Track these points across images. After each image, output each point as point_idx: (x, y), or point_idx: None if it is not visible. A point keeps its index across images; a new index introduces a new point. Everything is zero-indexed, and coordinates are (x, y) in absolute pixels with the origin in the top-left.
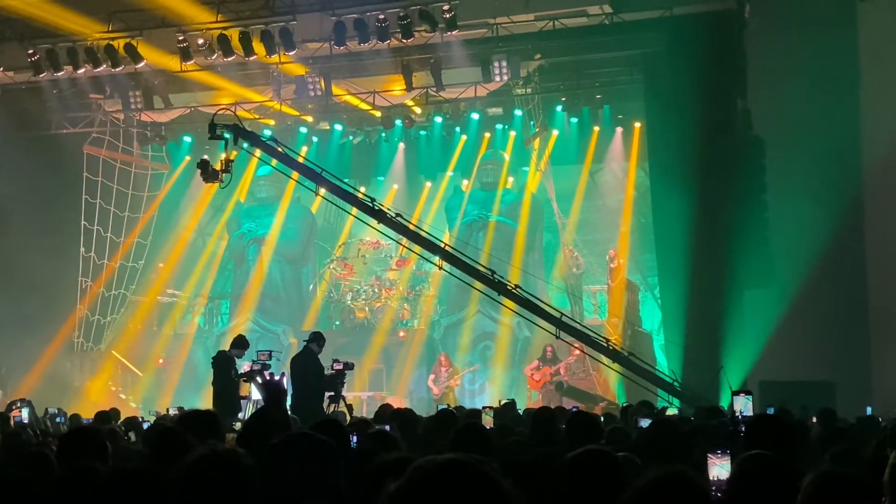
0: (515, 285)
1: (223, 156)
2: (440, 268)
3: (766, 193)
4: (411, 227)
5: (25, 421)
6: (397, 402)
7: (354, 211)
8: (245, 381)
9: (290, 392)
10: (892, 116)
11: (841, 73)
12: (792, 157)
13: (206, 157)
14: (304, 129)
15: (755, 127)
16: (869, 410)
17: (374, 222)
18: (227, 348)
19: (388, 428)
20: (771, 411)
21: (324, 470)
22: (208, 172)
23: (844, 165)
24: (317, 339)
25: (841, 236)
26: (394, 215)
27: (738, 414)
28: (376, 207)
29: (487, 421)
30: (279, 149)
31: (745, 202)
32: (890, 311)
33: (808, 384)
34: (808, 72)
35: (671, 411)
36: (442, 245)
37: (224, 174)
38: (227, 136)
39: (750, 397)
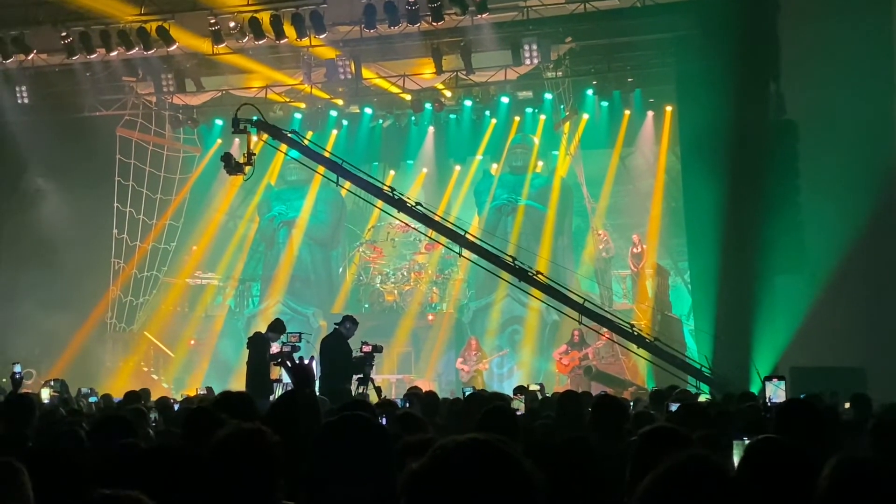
0: (537, 271)
1: (247, 148)
2: (460, 255)
3: (799, 178)
4: (435, 217)
5: (46, 401)
6: (426, 385)
7: (380, 203)
8: (276, 364)
9: (318, 374)
10: None
11: (875, 60)
12: (825, 142)
13: (229, 150)
14: (334, 113)
15: (788, 111)
16: None
17: (398, 212)
18: (259, 330)
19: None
20: (801, 397)
21: (375, 453)
22: (232, 165)
23: (878, 152)
24: (348, 321)
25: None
26: (414, 205)
27: (768, 399)
28: (397, 197)
29: (519, 406)
30: (303, 142)
31: (776, 187)
32: None
33: (840, 370)
34: (842, 57)
35: (703, 398)
36: (463, 234)
37: (248, 167)
38: (250, 130)
39: (782, 382)
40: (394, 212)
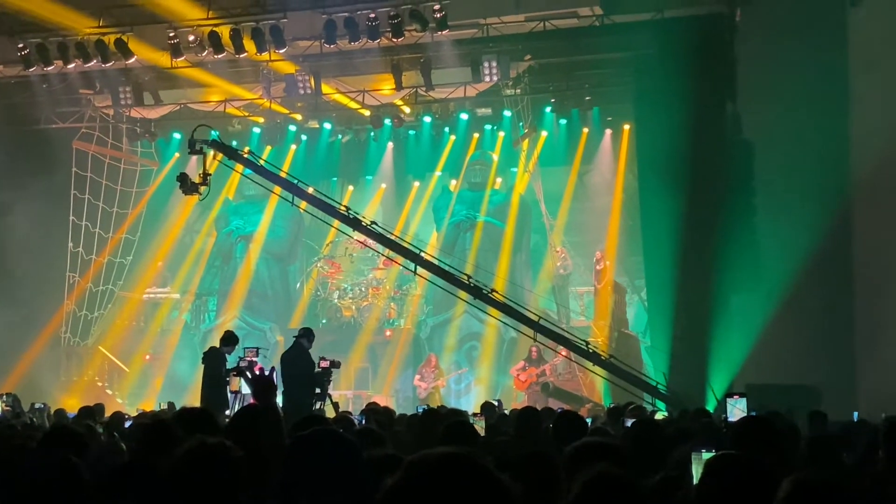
0: (492, 289)
1: (203, 168)
2: (415, 272)
3: (755, 197)
4: (391, 236)
5: None
6: (383, 401)
7: (337, 223)
8: (235, 375)
9: (281, 388)
10: (880, 122)
11: (831, 79)
12: (781, 161)
13: (187, 165)
14: (293, 128)
15: (745, 131)
16: (856, 415)
17: (356, 232)
18: (215, 345)
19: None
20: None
21: (346, 467)
22: (187, 185)
23: (833, 171)
24: (307, 334)
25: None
26: (369, 224)
27: (726, 416)
28: (352, 216)
29: (478, 428)
30: (259, 162)
31: (733, 206)
32: (875, 317)
33: (795, 388)
34: (798, 77)
35: (659, 415)
36: (418, 252)
37: (203, 187)
38: (206, 150)
39: (743, 400)
40: (350, 230)
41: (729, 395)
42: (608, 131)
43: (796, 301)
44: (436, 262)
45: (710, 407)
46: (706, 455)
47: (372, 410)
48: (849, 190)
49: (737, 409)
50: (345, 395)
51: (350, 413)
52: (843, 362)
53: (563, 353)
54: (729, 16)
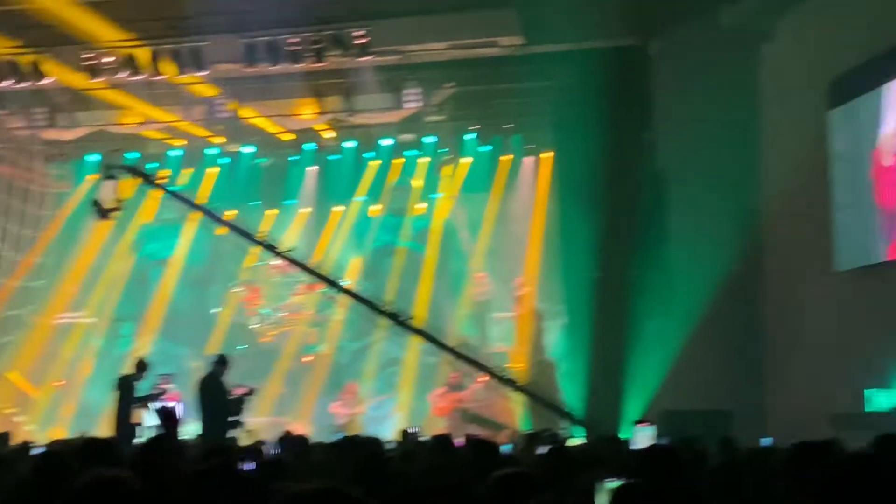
0: (410, 316)
1: (116, 194)
2: (333, 300)
3: (669, 225)
4: (309, 264)
5: None
6: (301, 428)
7: (257, 250)
8: (142, 405)
9: (196, 416)
10: (788, 154)
11: (742, 110)
12: (694, 189)
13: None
14: (213, 151)
15: (660, 160)
16: (764, 441)
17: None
18: (128, 371)
19: (281, 454)
20: (664, 441)
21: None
22: (100, 211)
23: (744, 198)
24: (222, 361)
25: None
26: (287, 251)
27: (633, 444)
28: (266, 243)
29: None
30: (174, 185)
31: (649, 233)
32: (784, 343)
33: (708, 413)
34: (712, 108)
35: (574, 441)
36: (335, 280)
37: (116, 213)
38: (120, 176)
39: (652, 428)
40: (269, 255)
41: (636, 422)
42: (529, 158)
43: (709, 326)
44: (355, 288)
45: (627, 433)
46: (612, 484)
47: (286, 439)
48: (759, 217)
49: (643, 437)
50: (262, 422)
51: (264, 442)
52: (755, 387)
53: (483, 379)
54: (644, 48)
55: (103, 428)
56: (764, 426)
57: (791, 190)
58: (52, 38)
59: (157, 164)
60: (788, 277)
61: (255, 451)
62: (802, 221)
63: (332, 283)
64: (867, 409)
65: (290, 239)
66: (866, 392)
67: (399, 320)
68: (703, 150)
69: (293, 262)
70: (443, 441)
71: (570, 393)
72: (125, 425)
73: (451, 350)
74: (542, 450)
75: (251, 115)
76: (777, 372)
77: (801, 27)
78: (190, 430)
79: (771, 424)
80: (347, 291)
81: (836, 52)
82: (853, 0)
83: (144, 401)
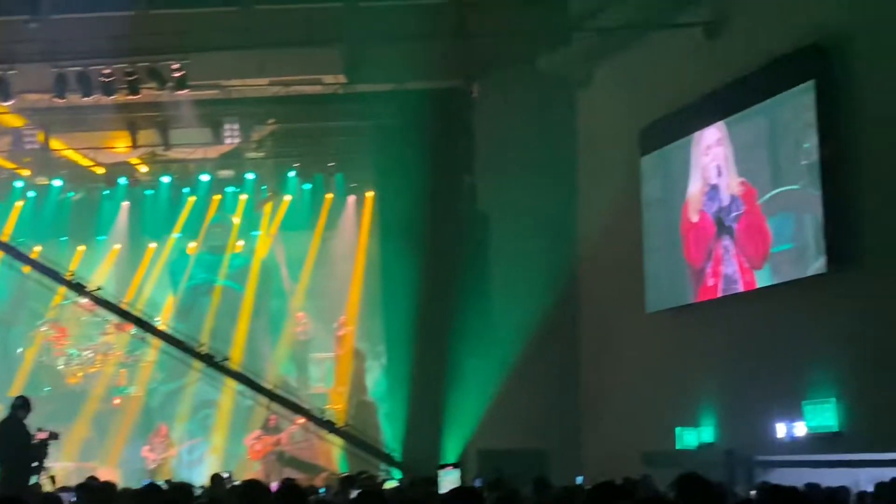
0: (225, 357)
1: None
2: (143, 340)
3: (489, 266)
4: (122, 305)
5: None
6: (108, 474)
7: (62, 290)
8: None
9: None
10: (603, 198)
11: (560, 155)
12: (514, 232)
13: None
14: (19, 184)
15: (480, 202)
16: (579, 479)
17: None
18: None
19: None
20: (478, 482)
21: None
22: None
23: (561, 242)
24: (23, 404)
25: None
26: (95, 290)
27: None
28: (73, 282)
29: None
30: None
31: (469, 274)
32: (600, 383)
33: (525, 453)
34: (531, 152)
35: (390, 483)
36: (148, 321)
37: None
38: None
39: (456, 471)
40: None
41: (441, 466)
42: (352, 197)
43: (527, 367)
44: (169, 328)
45: None
46: None
47: (86, 486)
48: (575, 261)
49: (448, 480)
50: (67, 468)
51: (68, 488)
52: (571, 426)
53: (300, 421)
54: (466, 90)
55: None
56: (580, 464)
57: (606, 234)
58: None
59: None
60: (603, 319)
61: (52, 499)
62: (617, 264)
63: (143, 324)
64: (678, 447)
65: (101, 276)
66: (677, 430)
67: (214, 362)
68: (522, 193)
69: (102, 302)
70: (252, 486)
71: (390, 434)
72: None
73: (267, 392)
74: (356, 493)
75: (61, 147)
76: (592, 411)
77: (616, 75)
78: None
79: (587, 463)
80: (159, 332)
81: (648, 100)
82: (666, 51)
83: None
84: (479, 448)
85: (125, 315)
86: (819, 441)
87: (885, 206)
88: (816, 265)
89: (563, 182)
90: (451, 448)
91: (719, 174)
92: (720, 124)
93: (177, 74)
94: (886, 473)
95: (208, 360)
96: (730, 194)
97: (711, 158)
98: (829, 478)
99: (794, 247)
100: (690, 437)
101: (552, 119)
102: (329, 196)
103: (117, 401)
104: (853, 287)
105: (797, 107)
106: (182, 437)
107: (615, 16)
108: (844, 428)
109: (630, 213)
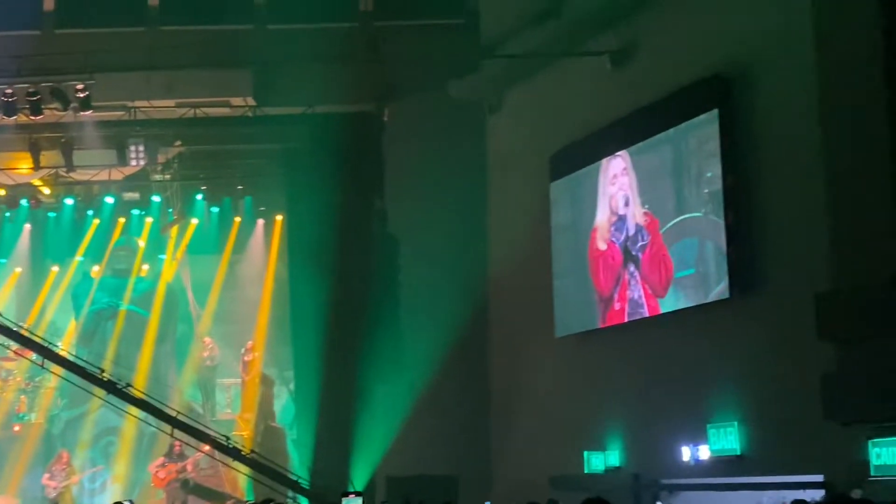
0: (127, 384)
1: None
2: (42, 366)
3: (399, 290)
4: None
5: None
6: (8, 503)
7: None
8: None
9: None
10: (514, 223)
11: (471, 178)
12: (424, 256)
13: None
14: None
15: (390, 226)
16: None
17: None
18: None
19: None
20: None
21: None
22: None
23: (472, 266)
24: None
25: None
26: None
27: None
28: None
29: None
30: None
31: (379, 299)
32: (509, 407)
33: (434, 479)
34: (441, 176)
35: None
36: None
37: None
38: None
39: (358, 499)
40: None
41: (344, 494)
42: (260, 221)
43: (437, 392)
44: (68, 355)
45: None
46: None
47: None
48: (486, 285)
49: None
50: None
51: None
52: (481, 451)
53: (206, 448)
54: (377, 115)
55: None
56: (489, 489)
57: (516, 258)
58: None
59: None
60: (513, 343)
61: None
62: (526, 289)
63: (44, 350)
64: (585, 471)
65: (1, 300)
66: (585, 454)
67: (116, 388)
68: (433, 217)
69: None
70: None
71: (298, 460)
72: None
73: (171, 419)
74: None
75: None
76: (502, 436)
77: (525, 101)
78: None
79: (496, 487)
80: (60, 359)
81: (557, 127)
82: (575, 79)
83: None
84: (388, 474)
85: (25, 341)
86: (722, 464)
87: (784, 233)
88: (718, 290)
89: (473, 207)
90: (360, 474)
91: (626, 204)
92: (625, 153)
93: (81, 95)
94: (787, 496)
95: (110, 386)
96: (635, 223)
97: (618, 188)
98: (733, 500)
99: (697, 272)
100: (598, 461)
101: (463, 144)
102: (237, 219)
103: (17, 428)
104: (755, 312)
105: (701, 136)
106: (84, 465)
107: (525, 43)
108: (746, 451)
109: (540, 239)
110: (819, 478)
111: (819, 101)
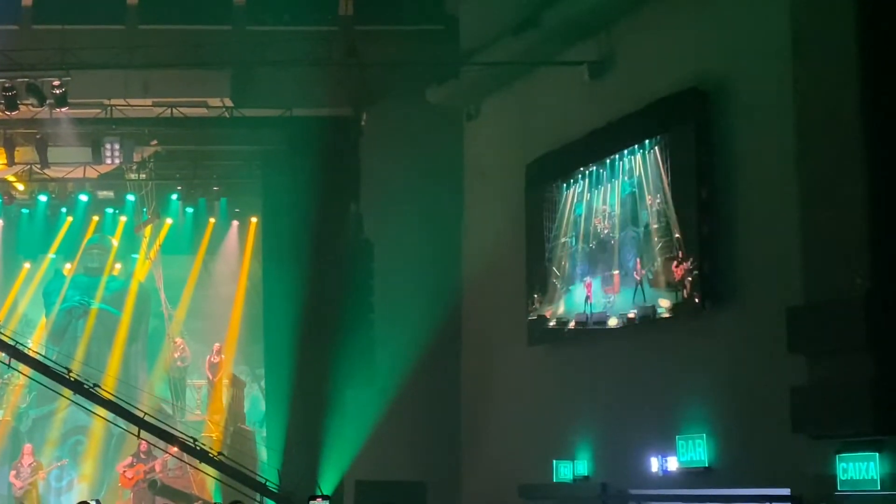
0: (94, 384)
1: None
2: (9, 365)
3: (373, 296)
4: None
5: None
6: None
7: None
8: None
9: None
10: (489, 227)
11: (447, 185)
12: (399, 261)
13: None
14: None
15: (366, 231)
16: None
17: None
18: None
19: None
20: None
21: None
22: None
23: (446, 272)
24: None
25: None
26: None
27: None
28: None
29: None
30: None
31: (352, 302)
32: (480, 414)
33: (403, 484)
34: (418, 181)
35: None
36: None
37: None
38: None
39: (327, 502)
40: None
41: (312, 497)
42: (235, 222)
43: (408, 396)
44: (36, 354)
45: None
46: None
47: None
48: (459, 292)
49: None
50: None
51: None
52: (451, 457)
53: (174, 449)
54: (355, 119)
55: None
56: (459, 496)
57: (491, 265)
58: None
59: None
60: (485, 350)
61: None
62: (499, 296)
63: (10, 349)
64: (554, 479)
65: None
66: (554, 462)
67: (83, 388)
68: (408, 222)
69: None
70: None
71: (267, 463)
72: None
73: (137, 419)
74: None
75: None
76: (472, 443)
77: (503, 109)
78: None
79: (465, 494)
80: (27, 358)
81: (535, 135)
82: (553, 88)
83: None
84: (358, 479)
85: None
86: (690, 476)
87: (757, 245)
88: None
89: (449, 213)
90: (329, 479)
91: (598, 215)
92: (602, 163)
93: (57, 91)
94: None
95: (77, 386)
96: (608, 233)
97: (592, 198)
98: None
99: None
100: (566, 470)
101: (440, 150)
102: (212, 220)
103: None
104: (726, 322)
105: (676, 148)
106: (51, 463)
107: (504, 51)
108: (715, 463)
109: (515, 246)
110: (786, 491)
111: (795, 114)
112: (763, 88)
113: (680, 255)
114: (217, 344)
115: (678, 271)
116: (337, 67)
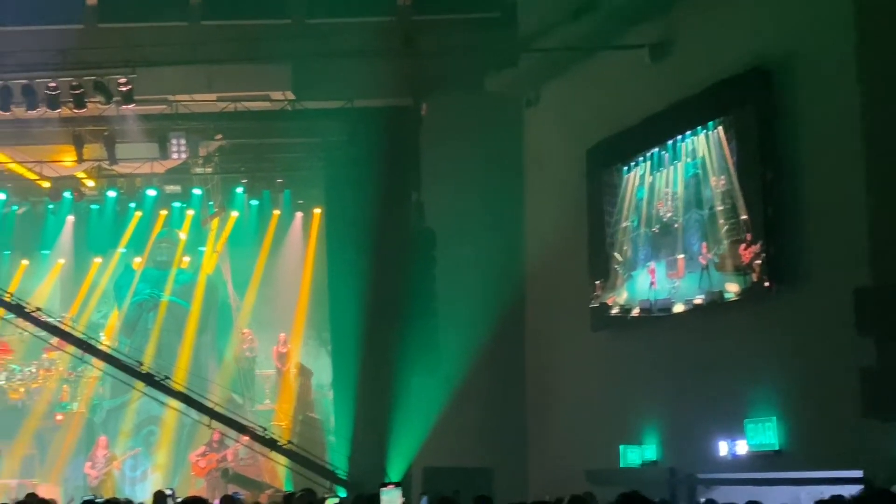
0: (165, 376)
1: None
2: (82, 360)
3: (436, 283)
4: (64, 326)
5: None
6: (49, 491)
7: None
8: None
9: None
10: (550, 214)
11: (508, 172)
12: (461, 250)
13: None
14: None
15: (428, 219)
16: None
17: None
18: None
19: None
20: (424, 501)
21: None
22: None
23: (509, 260)
24: None
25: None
26: (34, 310)
27: None
28: (11, 303)
29: None
30: None
31: (416, 292)
32: (545, 400)
33: (469, 470)
34: (479, 169)
35: (332, 500)
36: (88, 341)
37: None
38: None
39: (398, 490)
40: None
41: (383, 484)
42: (299, 214)
43: (473, 384)
44: (107, 348)
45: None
46: None
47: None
48: (522, 278)
49: (389, 500)
50: (7, 485)
51: None
52: (517, 444)
53: (245, 438)
54: (415, 109)
55: None
56: (525, 482)
57: (552, 251)
58: None
59: None
60: (550, 336)
61: None
62: (562, 282)
63: (83, 344)
64: (621, 465)
65: (44, 291)
66: (621, 448)
67: (154, 381)
68: (470, 210)
69: (41, 323)
70: (195, 503)
71: (335, 451)
72: None
73: (208, 410)
74: None
75: (5, 160)
76: (538, 429)
77: (563, 95)
78: None
79: (532, 480)
80: (99, 352)
81: (595, 121)
82: (612, 72)
83: None
84: (425, 466)
85: (65, 335)
86: (760, 459)
87: (824, 226)
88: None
89: (510, 200)
90: (397, 465)
91: (660, 198)
92: (664, 145)
93: (124, 88)
94: (826, 491)
95: (149, 379)
96: (671, 217)
97: (654, 181)
98: (771, 496)
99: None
100: (634, 455)
101: (500, 138)
102: (276, 212)
103: (60, 417)
104: (795, 305)
105: (740, 129)
106: (124, 453)
107: (562, 37)
108: (785, 446)
109: (577, 232)
110: (858, 473)
111: (860, 94)
112: (828, 67)
113: (748, 237)
114: (282, 334)
115: (746, 254)
116: (395, 58)
